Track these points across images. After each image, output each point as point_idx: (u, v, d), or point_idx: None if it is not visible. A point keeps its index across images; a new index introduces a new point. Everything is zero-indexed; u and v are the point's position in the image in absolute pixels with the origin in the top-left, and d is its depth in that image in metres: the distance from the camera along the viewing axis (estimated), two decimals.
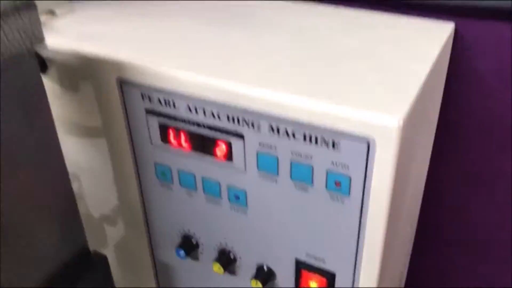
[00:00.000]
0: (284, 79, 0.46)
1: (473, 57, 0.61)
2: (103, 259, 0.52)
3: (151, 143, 0.54)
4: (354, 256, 0.49)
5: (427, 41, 0.54)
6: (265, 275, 0.54)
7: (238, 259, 0.56)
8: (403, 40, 0.55)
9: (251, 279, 0.54)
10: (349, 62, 0.49)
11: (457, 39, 0.60)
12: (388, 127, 0.40)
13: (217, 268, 0.56)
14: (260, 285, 0.53)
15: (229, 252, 0.56)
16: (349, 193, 0.45)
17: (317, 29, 0.57)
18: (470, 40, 0.60)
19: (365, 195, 0.45)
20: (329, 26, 0.58)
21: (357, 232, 0.47)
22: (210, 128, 0.49)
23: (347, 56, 0.50)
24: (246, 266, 0.56)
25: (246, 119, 0.46)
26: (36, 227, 0.45)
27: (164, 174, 0.55)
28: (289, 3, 0.65)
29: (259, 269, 0.55)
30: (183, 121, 0.50)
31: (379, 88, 0.44)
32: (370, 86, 0.44)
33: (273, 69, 0.48)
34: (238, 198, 0.52)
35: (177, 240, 0.59)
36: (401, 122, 0.39)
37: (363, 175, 0.43)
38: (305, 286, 0.53)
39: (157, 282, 0.66)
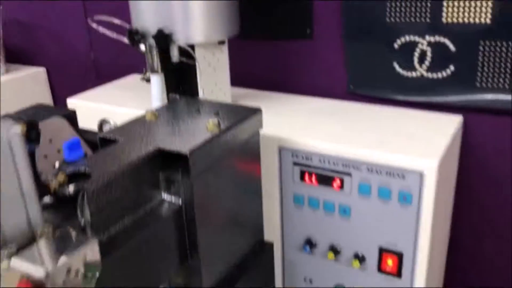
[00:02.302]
0: (370, 144, 0.88)
1: (478, 142, 1.03)
2: (271, 245, 0.92)
3: (293, 182, 0.95)
4: (414, 241, 0.88)
5: (444, 123, 0.97)
6: (359, 258, 0.93)
7: (341, 251, 0.96)
8: (425, 125, 0.97)
9: (352, 261, 0.93)
10: (400, 135, 0.91)
11: (465, 128, 1.03)
12: (432, 166, 0.81)
13: (331, 255, 0.95)
14: (358, 264, 0.92)
15: (336, 246, 0.96)
16: (411, 203, 0.85)
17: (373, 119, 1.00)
18: (476, 129, 1.02)
19: (420, 204, 0.85)
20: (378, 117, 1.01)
21: (415, 226, 0.87)
22: (331, 170, 0.90)
23: (398, 132, 0.93)
24: (347, 254, 0.95)
25: (352, 165, 0.88)
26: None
27: (298, 200, 0.96)
28: (348, 103, 1.09)
29: (355, 255, 0.94)
30: (314, 167, 0.92)
31: (423, 148, 0.86)
32: (418, 147, 0.86)
33: (363, 139, 0.90)
34: (345, 211, 0.92)
35: (302, 241, 0.99)
36: (437, 163, 0.81)
37: (419, 193, 0.84)
38: (384, 264, 0.92)
39: (283, 274, 1.05)
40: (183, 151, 0.66)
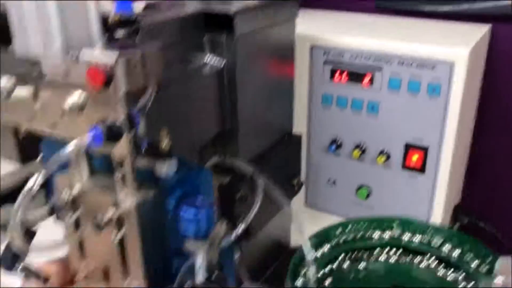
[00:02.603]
0: (402, 37, 0.91)
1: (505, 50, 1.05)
2: (300, 138, 0.95)
3: (323, 81, 0.98)
4: (440, 135, 0.91)
5: (472, 30, 0.99)
6: (385, 156, 0.96)
7: (367, 150, 0.99)
8: (454, 29, 1.00)
9: (376, 158, 0.96)
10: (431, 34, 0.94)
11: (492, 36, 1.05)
12: (462, 55, 0.84)
13: (356, 153, 0.98)
14: (383, 160, 0.95)
15: (362, 145, 0.99)
16: (440, 95, 0.88)
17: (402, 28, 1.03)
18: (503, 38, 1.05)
19: (448, 96, 0.88)
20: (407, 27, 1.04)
21: (443, 119, 0.90)
22: (362, 66, 0.93)
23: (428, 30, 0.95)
24: (372, 153, 0.98)
25: (384, 58, 0.91)
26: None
27: (327, 99, 0.99)
28: (377, 17, 1.12)
29: (381, 152, 0.97)
30: (346, 64, 0.94)
31: (454, 41, 0.89)
32: (449, 40, 0.89)
33: (395, 35, 0.93)
34: (373, 108, 0.95)
35: (328, 143, 1.02)
36: (468, 53, 0.84)
37: (448, 83, 0.87)
38: (409, 160, 0.95)
39: (307, 175, 1.08)
40: (229, 12, 0.69)
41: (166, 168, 0.54)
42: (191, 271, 0.55)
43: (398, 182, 0.96)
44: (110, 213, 0.54)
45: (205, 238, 0.53)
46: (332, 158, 1.02)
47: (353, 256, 0.73)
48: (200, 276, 0.54)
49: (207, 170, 0.58)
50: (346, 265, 0.72)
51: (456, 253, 0.71)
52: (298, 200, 1.04)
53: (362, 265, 0.73)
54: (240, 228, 0.55)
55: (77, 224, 0.59)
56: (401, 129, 0.93)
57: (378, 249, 0.74)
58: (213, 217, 0.53)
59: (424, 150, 0.93)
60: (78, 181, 0.57)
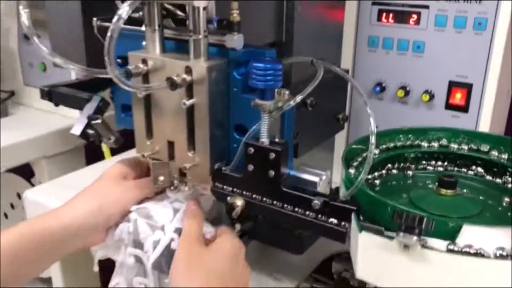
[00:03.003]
0: None
1: None
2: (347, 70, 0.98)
3: (370, 23, 1.02)
4: (484, 72, 0.94)
5: None
6: (429, 94, 0.99)
7: (411, 91, 1.02)
8: None
9: (420, 100, 0.99)
10: None
11: None
12: None
13: (400, 93, 1.01)
14: (427, 98, 0.98)
15: (406, 87, 1.02)
16: (485, 29, 0.91)
17: None
18: None
19: (494, 31, 0.91)
20: None
21: (487, 56, 0.92)
22: (409, 5, 0.96)
23: None
24: (416, 94, 1.01)
25: None
26: None
27: (373, 42, 1.03)
28: None
29: (425, 91, 1.00)
30: (393, 5, 0.98)
31: None
32: None
33: None
34: (419, 47, 0.98)
35: (372, 85, 1.05)
36: None
37: (494, 18, 0.90)
38: (452, 99, 0.97)
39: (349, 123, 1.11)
40: None
41: (234, 41, 0.58)
42: (256, 135, 0.59)
43: (442, 122, 0.98)
44: (184, 75, 0.58)
45: (270, 99, 0.57)
46: (375, 103, 1.05)
47: (401, 165, 0.76)
48: (264, 138, 0.58)
49: (271, 49, 0.62)
50: (394, 171, 0.75)
51: (505, 157, 0.73)
52: (340, 139, 1.07)
53: (410, 173, 0.75)
54: (299, 97, 0.59)
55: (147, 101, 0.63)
56: (446, 67, 0.96)
57: (426, 159, 0.76)
58: (280, 75, 0.57)
59: (468, 88, 0.95)
60: (151, 56, 0.61)
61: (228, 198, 0.62)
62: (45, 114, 1.36)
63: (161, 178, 0.66)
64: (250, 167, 0.60)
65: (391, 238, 0.50)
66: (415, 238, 0.47)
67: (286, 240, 0.84)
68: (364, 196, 0.57)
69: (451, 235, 0.50)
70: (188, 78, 0.58)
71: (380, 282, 0.53)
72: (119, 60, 0.71)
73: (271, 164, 0.58)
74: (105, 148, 0.75)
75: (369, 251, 0.52)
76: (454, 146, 0.76)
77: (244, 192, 0.61)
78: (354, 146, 0.70)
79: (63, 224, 0.64)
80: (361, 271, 0.53)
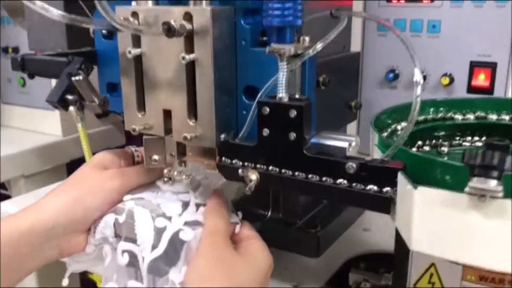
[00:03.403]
0: None
1: None
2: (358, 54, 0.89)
3: (378, 5, 0.94)
4: (510, 48, 0.85)
5: None
6: (448, 77, 0.90)
7: (428, 75, 0.93)
8: None
9: (439, 85, 0.90)
10: None
11: None
12: None
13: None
14: (447, 81, 0.89)
15: (422, 72, 0.93)
16: (507, 0, 0.83)
17: None
18: None
19: None
20: None
21: (511, 30, 0.84)
22: None
23: None
24: (435, 77, 0.92)
25: None
26: None
27: (383, 25, 0.95)
28: None
29: (444, 75, 0.91)
30: None
31: None
32: None
33: None
34: (434, 27, 0.90)
35: (384, 74, 0.96)
36: None
37: None
38: (475, 80, 0.89)
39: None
40: None
41: None
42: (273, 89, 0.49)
43: None
44: (182, 21, 0.48)
45: (289, 41, 0.47)
46: (388, 92, 0.97)
47: (433, 141, 0.66)
48: (282, 94, 0.48)
49: None
50: (426, 148, 0.65)
51: None
52: (350, 130, 0.98)
53: (444, 149, 0.65)
54: (319, 44, 0.49)
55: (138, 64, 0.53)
56: (465, 46, 0.88)
57: (461, 133, 0.66)
58: (300, 11, 0.47)
59: (492, 67, 0.87)
60: (142, 8, 0.52)
61: (240, 171, 0.51)
62: (24, 132, 1.27)
63: (155, 157, 0.55)
64: (265, 132, 0.49)
65: (450, 186, 0.39)
66: (494, 183, 0.37)
67: (300, 241, 0.73)
68: (405, 157, 0.47)
69: None
70: (188, 25, 0.48)
71: (444, 253, 0.42)
72: (104, 32, 0.62)
73: (292, 124, 0.48)
74: (83, 135, 0.64)
75: (428, 213, 0.41)
76: (492, 117, 0.66)
77: (258, 165, 0.51)
78: (381, 117, 0.60)
79: (33, 223, 0.53)
80: (417, 241, 0.42)
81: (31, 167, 1.15)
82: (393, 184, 0.45)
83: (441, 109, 0.67)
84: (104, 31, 0.61)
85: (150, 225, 0.52)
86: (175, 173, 0.58)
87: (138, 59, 0.53)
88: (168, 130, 0.53)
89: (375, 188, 0.46)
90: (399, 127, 0.63)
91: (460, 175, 0.40)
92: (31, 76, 0.63)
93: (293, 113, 0.48)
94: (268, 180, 0.50)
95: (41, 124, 1.22)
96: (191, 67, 0.50)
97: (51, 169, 1.18)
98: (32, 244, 0.54)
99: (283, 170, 0.50)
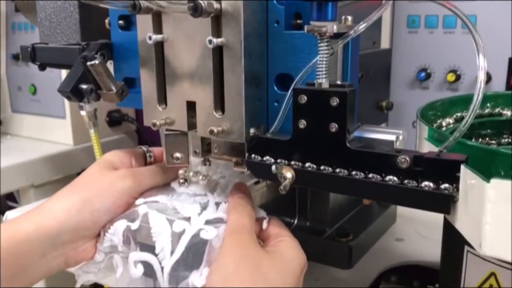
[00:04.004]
0: None
1: None
2: (389, 50, 0.84)
3: (409, 2, 0.89)
4: None
5: None
6: (486, 77, 0.85)
7: (463, 74, 0.87)
8: None
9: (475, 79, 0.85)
10: None
11: None
12: None
13: (450, 77, 0.87)
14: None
15: (457, 70, 0.88)
16: None
17: None
18: None
19: None
20: None
21: None
22: None
23: None
24: (470, 76, 0.87)
25: None
26: None
27: (413, 22, 0.90)
28: None
29: None
30: None
31: None
32: None
33: None
34: None
35: (415, 74, 0.91)
36: None
37: None
38: None
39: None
40: None
41: None
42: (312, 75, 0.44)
43: None
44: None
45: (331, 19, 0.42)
46: (420, 93, 0.91)
47: (479, 140, 0.60)
48: (322, 79, 0.43)
49: None
50: None
51: None
52: None
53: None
54: (362, 25, 0.44)
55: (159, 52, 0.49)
56: (503, 42, 0.82)
57: (510, 132, 0.61)
58: None
59: None
60: None
61: (273, 168, 0.45)
62: (34, 142, 1.23)
63: (178, 154, 0.50)
64: (302, 124, 0.44)
65: None
66: None
67: (330, 251, 0.68)
68: (463, 151, 0.41)
69: None
70: (216, 5, 0.43)
71: None
72: (121, 22, 0.57)
73: (334, 114, 0.42)
74: (95, 142, 0.59)
75: (505, 210, 0.35)
76: None
77: (292, 162, 0.45)
78: (426, 110, 0.55)
79: (36, 229, 0.48)
80: (491, 244, 0.36)
81: (41, 176, 1.10)
82: (453, 180, 0.39)
83: (488, 104, 0.62)
84: (121, 22, 0.57)
85: (167, 231, 0.48)
86: (191, 173, 0.54)
87: (159, 46, 0.48)
88: (191, 125, 0.48)
89: (432, 184, 0.40)
90: (444, 123, 0.58)
91: None
92: (42, 68, 0.58)
93: (335, 101, 0.42)
94: (305, 178, 0.45)
95: (52, 133, 1.18)
96: (218, 53, 0.45)
97: (61, 178, 1.13)
98: (35, 252, 0.49)
99: (322, 167, 0.44)
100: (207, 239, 0.46)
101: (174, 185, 0.56)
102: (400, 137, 0.45)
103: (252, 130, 0.47)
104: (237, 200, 0.50)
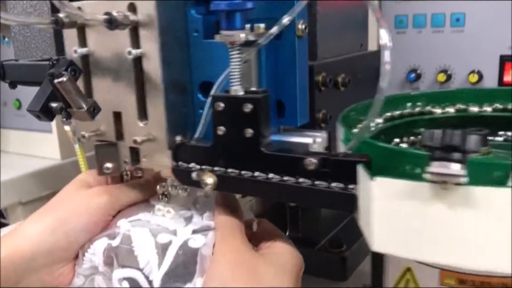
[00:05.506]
0: None
1: None
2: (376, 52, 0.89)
3: (395, 2, 0.94)
4: None
5: None
6: (477, 74, 0.88)
7: (454, 74, 0.91)
8: None
9: (468, 77, 0.89)
10: None
11: None
12: None
13: (441, 77, 0.91)
14: (475, 79, 0.87)
15: (447, 70, 0.92)
16: None
17: None
18: None
19: None
20: None
21: None
22: None
23: None
24: (461, 75, 0.91)
25: None
26: None
27: (401, 22, 0.94)
28: None
29: (472, 72, 0.89)
30: None
31: None
32: None
33: None
34: (458, 20, 0.89)
35: (405, 75, 0.95)
36: None
37: None
38: (506, 75, 0.86)
39: None
40: None
41: None
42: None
43: None
44: (127, 13, 0.50)
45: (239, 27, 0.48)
46: None
47: (410, 138, 0.64)
48: (236, 86, 0.49)
49: None
50: (404, 146, 0.63)
51: None
52: None
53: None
54: (274, 28, 0.49)
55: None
56: (494, 39, 0.86)
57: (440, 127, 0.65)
58: None
59: None
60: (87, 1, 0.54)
61: (193, 175, 0.51)
62: (21, 157, 1.30)
63: (108, 164, 0.56)
64: (221, 130, 0.50)
65: (420, 178, 0.38)
66: (457, 167, 0.35)
67: (324, 263, 0.75)
68: (372, 151, 0.46)
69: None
70: (132, 17, 0.50)
71: (408, 252, 0.40)
72: None
73: (248, 120, 0.48)
74: (81, 157, 0.66)
75: (389, 207, 0.40)
76: (474, 109, 0.64)
77: (215, 168, 0.51)
78: (352, 113, 0.60)
79: (9, 254, 0.52)
80: (379, 240, 0.41)
81: (29, 193, 1.18)
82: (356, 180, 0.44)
83: (419, 103, 0.66)
84: None
85: (151, 244, 0.52)
86: (170, 188, 0.58)
87: (86, 59, 0.55)
88: (120, 135, 0.55)
89: (341, 185, 0.45)
90: (372, 123, 0.63)
91: (426, 163, 0.39)
92: (13, 86, 0.64)
93: (248, 108, 0.48)
94: (226, 183, 0.51)
95: (39, 148, 1.26)
96: (138, 63, 0.51)
97: (50, 194, 1.20)
98: (9, 279, 0.51)
99: (242, 172, 0.50)
100: (196, 247, 0.51)
101: (154, 201, 0.60)
102: (318, 140, 0.51)
103: (178, 138, 0.53)
104: (224, 204, 0.55)
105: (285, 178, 0.48)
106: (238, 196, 0.61)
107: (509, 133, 0.64)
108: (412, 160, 0.43)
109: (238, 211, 0.55)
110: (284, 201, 0.67)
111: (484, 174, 0.41)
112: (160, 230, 0.54)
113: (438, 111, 0.66)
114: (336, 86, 0.72)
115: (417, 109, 0.66)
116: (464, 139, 0.36)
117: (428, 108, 0.66)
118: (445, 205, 0.38)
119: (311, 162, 0.46)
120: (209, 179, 0.51)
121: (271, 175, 0.49)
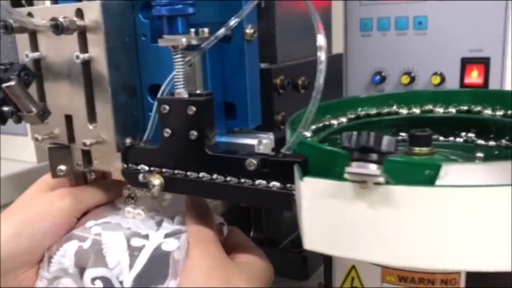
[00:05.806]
0: None
1: None
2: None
3: (360, 4, 0.96)
4: (502, 42, 0.85)
5: None
6: (439, 76, 0.90)
7: (417, 76, 0.93)
8: None
9: (430, 79, 0.90)
10: None
11: None
12: None
13: (405, 79, 0.92)
14: (438, 81, 0.89)
15: (411, 72, 0.93)
16: None
17: None
18: None
19: None
20: None
21: (504, 22, 0.84)
22: None
23: None
24: (424, 77, 0.92)
25: None
26: None
27: (366, 25, 0.96)
28: None
29: (434, 74, 0.91)
30: None
31: None
32: None
33: None
34: (421, 23, 0.91)
35: (370, 77, 0.97)
36: None
37: None
38: (467, 77, 0.88)
39: None
40: None
41: None
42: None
43: None
44: (74, 18, 0.51)
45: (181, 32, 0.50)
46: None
47: None
48: (180, 89, 0.50)
49: None
50: None
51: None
52: None
53: None
54: (222, 30, 0.51)
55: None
56: (455, 42, 0.88)
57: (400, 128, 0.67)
58: None
59: (485, 63, 0.86)
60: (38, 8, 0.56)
61: (140, 177, 0.53)
62: None
63: (62, 167, 0.58)
64: (167, 132, 0.52)
65: (342, 178, 0.39)
66: (374, 167, 0.37)
67: (286, 263, 0.76)
68: (311, 151, 0.48)
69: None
70: (80, 22, 0.51)
71: (337, 250, 0.42)
72: None
73: (192, 122, 0.50)
74: None
75: (316, 206, 0.41)
76: (440, 109, 0.66)
77: (163, 169, 0.52)
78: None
79: None
80: (310, 238, 0.43)
81: (4, 197, 1.19)
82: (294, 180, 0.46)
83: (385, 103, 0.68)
84: None
85: (123, 246, 0.53)
86: (136, 189, 0.59)
87: (38, 63, 0.56)
88: (72, 138, 0.56)
89: (278, 184, 0.47)
90: (335, 122, 0.64)
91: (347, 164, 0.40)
92: None
93: (192, 110, 0.49)
94: (173, 185, 0.53)
95: (15, 151, 1.27)
96: (87, 67, 0.53)
97: None
98: None
99: (188, 173, 0.51)
100: (169, 251, 0.52)
101: (120, 204, 0.61)
102: (264, 141, 0.52)
103: (128, 140, 0.55)
104: (194, 208, 0.56)
105: (228, 178, 0.50)
106: None
107: (470, 134, 0.66)
108: (339, 160, 0.44)
109: (208, 214, 0.56)
110: (228, 201, 0.68)
111: (411, 174, 0.42)
112: (133, 235, 0.55)
113: (404, 111, 0.68)
114: (296, 88, 0.73)
115: (385, 110, 0.68)
116: (379, 141, 0.38)
117: (394, 108, 0.68)
118: (366, 204, 0.40)
119: (252, 162, 0.48)
120: (156, 181, 0.53)
121: (215, 176, 0.51)
